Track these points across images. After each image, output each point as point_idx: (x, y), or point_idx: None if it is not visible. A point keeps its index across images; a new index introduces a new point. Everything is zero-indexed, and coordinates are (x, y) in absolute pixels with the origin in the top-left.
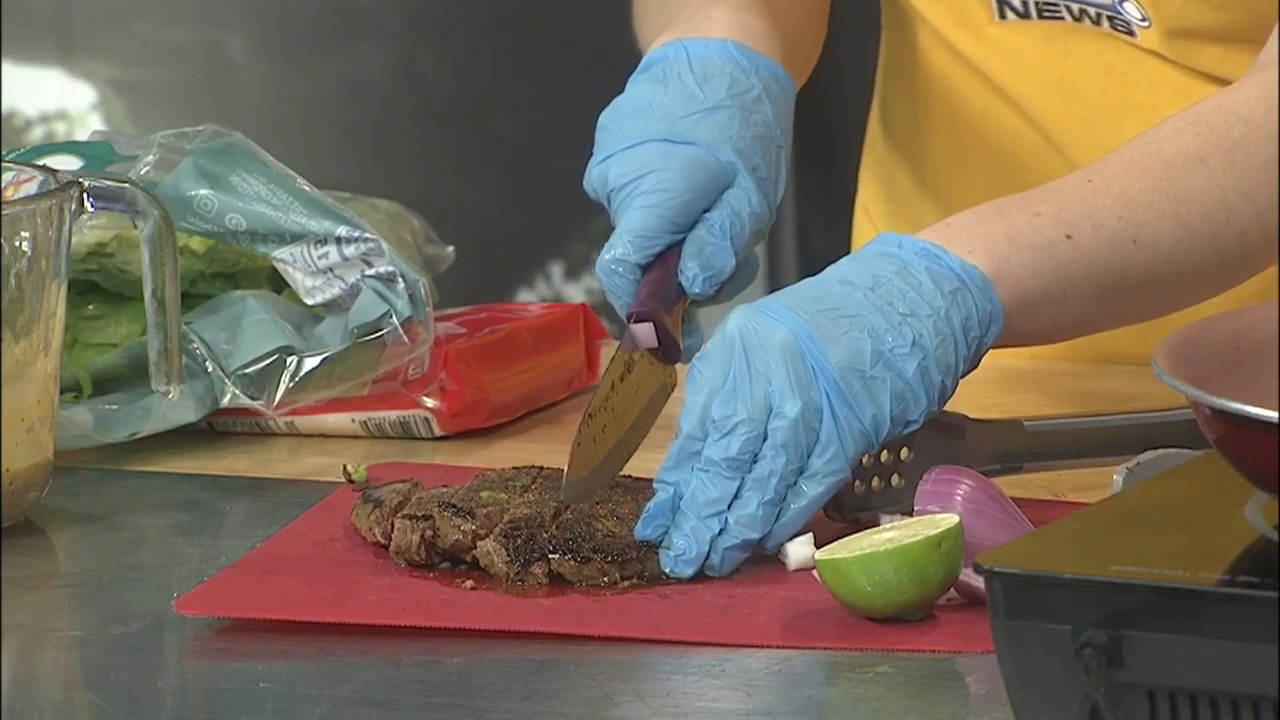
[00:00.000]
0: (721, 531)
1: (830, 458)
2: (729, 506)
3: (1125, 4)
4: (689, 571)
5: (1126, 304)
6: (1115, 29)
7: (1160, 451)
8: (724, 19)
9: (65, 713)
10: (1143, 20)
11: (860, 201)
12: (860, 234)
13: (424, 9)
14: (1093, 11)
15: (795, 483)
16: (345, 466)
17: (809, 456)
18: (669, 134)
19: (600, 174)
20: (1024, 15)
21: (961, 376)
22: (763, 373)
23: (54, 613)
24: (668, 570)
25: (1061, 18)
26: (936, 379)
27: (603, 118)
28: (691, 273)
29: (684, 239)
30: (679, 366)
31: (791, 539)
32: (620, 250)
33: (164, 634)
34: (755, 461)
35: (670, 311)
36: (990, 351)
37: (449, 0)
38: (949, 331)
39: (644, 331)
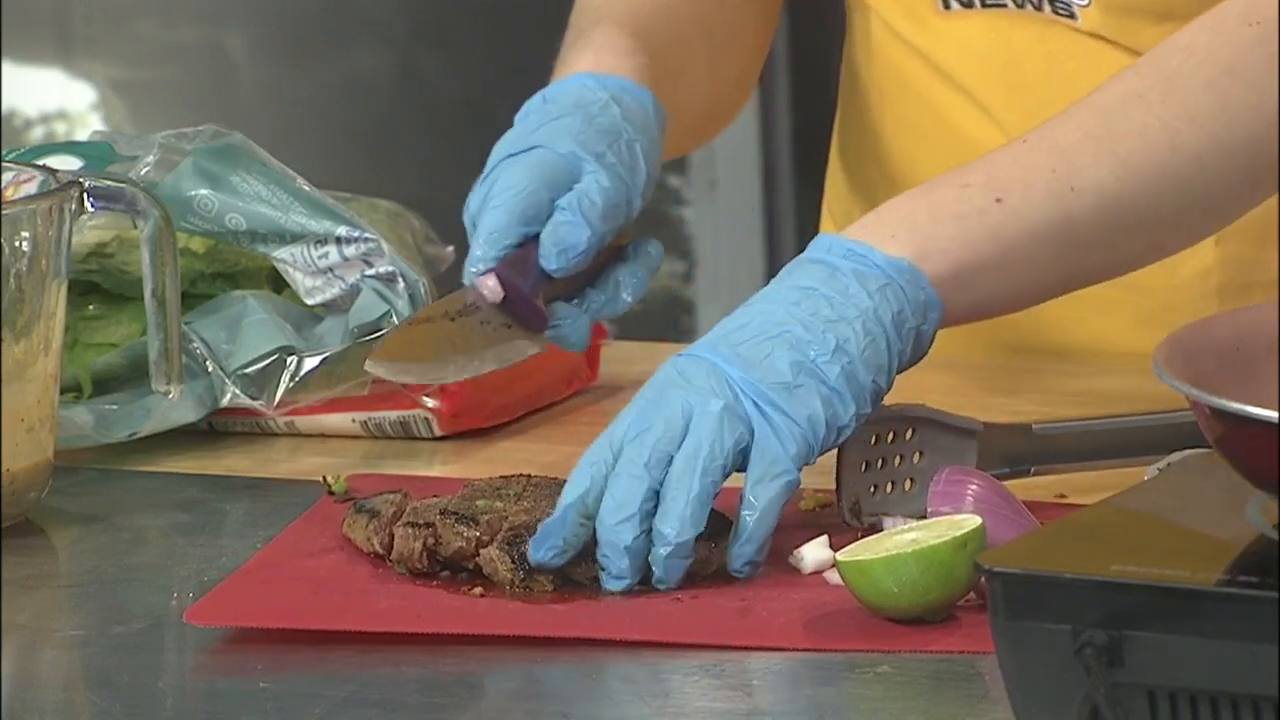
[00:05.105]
0: (655, 542)
1: (772, 460)
2: (656, 516)
3: None
4: (619, 587)
5: (1088, 257)
6: (1058, 13)
7: (1189, 452)
8: (585, 61)
9: (65, 713)
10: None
11: (825, 200)
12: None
13: (424, 9)
14: None
15: (744, 497)
16: (325, 477)
17: (747, 465)
18: (513, 149)
19: (465, 211)
20: (968, 5)
21: (904, 367)
22: (682, 391)
23: (54, 613)
24: (606, 588)
25: (1004, 4)
26: (865, 381)
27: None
28: (546, 250)
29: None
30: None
31: (806, 543)
32: (479, 252)
33: (164, 634)
34: (670, 463)
35: (534, 289)
36: (988, 349)
37: (449, 0)
38: (879, 330)
39: (489, 283)
